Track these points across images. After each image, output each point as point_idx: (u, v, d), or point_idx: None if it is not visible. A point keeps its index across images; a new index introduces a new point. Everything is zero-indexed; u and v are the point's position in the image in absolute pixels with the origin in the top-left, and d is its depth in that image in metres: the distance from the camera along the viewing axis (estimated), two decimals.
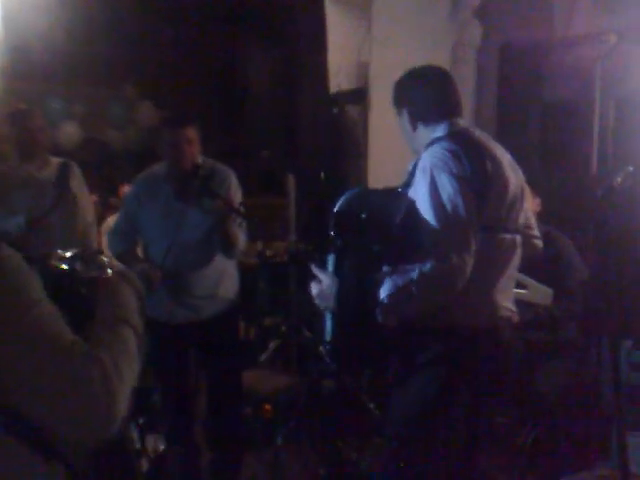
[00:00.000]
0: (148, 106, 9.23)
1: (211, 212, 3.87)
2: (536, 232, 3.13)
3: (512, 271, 2.99)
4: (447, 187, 2.66)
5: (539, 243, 3.12)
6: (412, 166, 2.91)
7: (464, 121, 3.00)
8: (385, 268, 2.72)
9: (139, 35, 8.27)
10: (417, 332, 2.79)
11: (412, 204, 2.75)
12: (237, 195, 4.09)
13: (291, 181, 5.62)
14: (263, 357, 5.68)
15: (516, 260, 2.98)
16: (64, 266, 1.79)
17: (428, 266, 2.61)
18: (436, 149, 2.79)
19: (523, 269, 4.05)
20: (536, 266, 4.24)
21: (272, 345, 5.68)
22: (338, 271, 2.83)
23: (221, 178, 4.04)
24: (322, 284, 2.85)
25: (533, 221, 3.17)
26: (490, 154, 2.81)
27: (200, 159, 4.03)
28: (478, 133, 2.93)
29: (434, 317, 2.75)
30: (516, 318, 4.16)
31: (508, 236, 2.89)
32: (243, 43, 7.64)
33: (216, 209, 3.84)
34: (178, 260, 4.00)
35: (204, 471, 4.36)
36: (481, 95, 6.00)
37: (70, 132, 9.11)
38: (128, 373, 1.56)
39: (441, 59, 5.81)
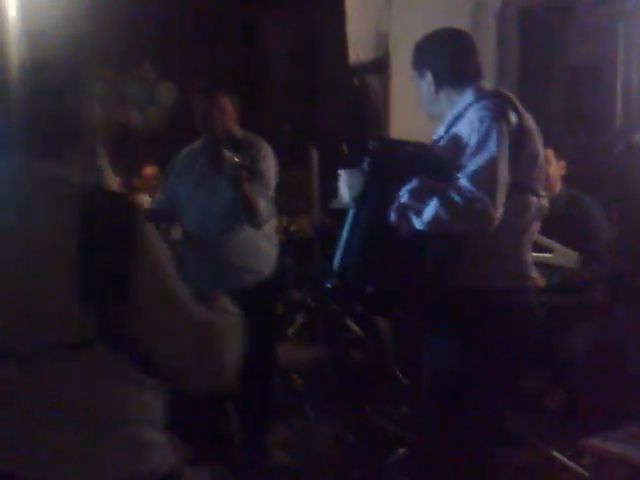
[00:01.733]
0: (168, 86, 9.20)
1: (228, 173, 3.89)
2: (544, 194, 3.09)
3: (534, 234, 3.03)
4: (498, 138, 2.67)
5: (546, 204, 3.09)
6: (445, 128, 2.91)
7: (488, 84, 3.00)
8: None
9: (155, 13, 8.22)
10: (448, 292, 2.78)
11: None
12: (271, 166, 4.13)
13: (314, 154, 5.59)
14: (291, 331, 5.70)
15: (538, 224, 3.01)
16: None
17: (464, 197, 2.60)
18: (484, 104, 2.80)
19: (549, 232, 4.05)
20: (562, 229, 4.24)
21: (299, 319, 5.69)
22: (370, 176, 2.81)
23: (255, 149, 4.08)
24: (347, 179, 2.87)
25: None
26: (526, 115, 2.85)
27: (237, 130, 4.12)
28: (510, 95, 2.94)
29: (467, 276, 2.76)
30: (542, 282, 4.18)
31: (535, 199, 2.90)
32: (261, 15, 7.58)
33: (229, 167, 3.87)
34: (207, 228, 4.06)
35: (234, 436, 4.40)
36: (503, 60, 5.92)
37: None
38: (235, 349, 1.91)
39: (461, 25, 5.72)
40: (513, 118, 2.73)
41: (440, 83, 2.95)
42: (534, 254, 3.90)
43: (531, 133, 2.84)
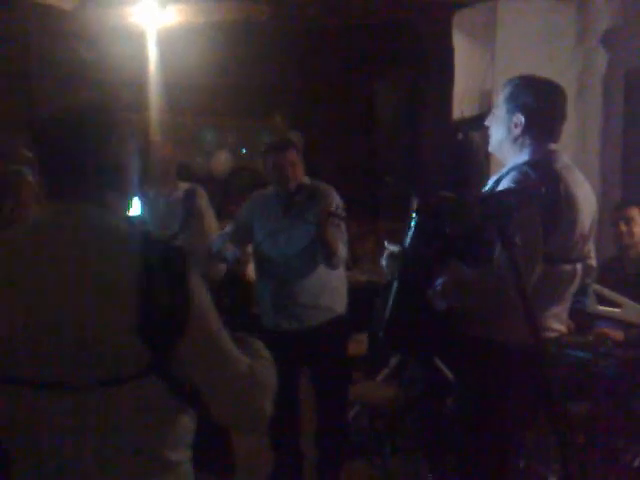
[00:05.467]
0: (296, 135, 9.68)
1: (312, 220, 4.19)
2: (592, 253, 3.19)
3: (568, 297, 3.09)
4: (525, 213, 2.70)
5: (594, 263, 3.20)
6: (493, 182, 3.00)
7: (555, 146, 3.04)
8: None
9: (286, 69, 8.77)
10: (464, 341, 2.96)
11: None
12: (338, 209, 4.36)
13: (414, 203, 5.80)
14: (385, 372, 5.87)
15: (574, 287, 3.06)
16: None
17: (488, 279, 2.74)
18: (514, 175, 2.86)
19: (623, 289, 4.14)
20: (631, 285, 4.31)
21: (393, 361, 5.85)
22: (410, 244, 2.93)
23: (324, 195, 4.37)
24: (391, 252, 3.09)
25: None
26: (565, 186, 2.88)
27: (305, 179, 4.41)
28: (561, 163, 2.98)
29: (483, 329, 2.92)
30: (620, 336, 4.25)
31: (569, 267, 2.97)
32: (376, 78, 7.94)
33: (315, 216, 4.17)
34: (283, 270, 4.37)
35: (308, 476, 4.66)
36: (608, 122, 6.01)
37: (222, 161, 9.71)
38: (271, 395, 2.00)
39: (566, 86, 5.85)
40: (543, 190, 2.72)
41: (526, 130, 2.95)
42: (602, 307, 4.05)
43: (574, 203, 2.88)
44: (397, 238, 6.19)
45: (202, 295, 1.81)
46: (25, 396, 1.78)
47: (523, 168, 2.87)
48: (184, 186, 5.01)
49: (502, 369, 2.91)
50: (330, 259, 4.28)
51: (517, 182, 2.80)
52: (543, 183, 2.75)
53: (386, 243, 3.18)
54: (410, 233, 2.93)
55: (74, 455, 1.80)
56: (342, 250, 4.32)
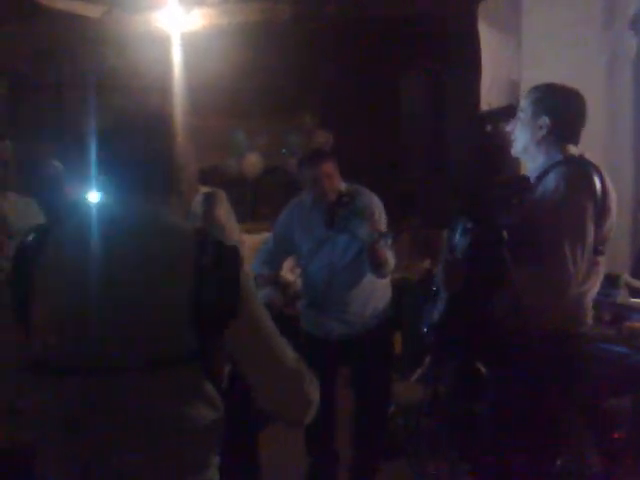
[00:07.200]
0: (324, 134, 9.64)
1: (361, 238, 4.14)
2: None
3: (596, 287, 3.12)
4: (580, 205, 2.86)
5: None
6: (535, 179, 3.04)
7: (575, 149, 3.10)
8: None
9: (310, 68, 8.73)
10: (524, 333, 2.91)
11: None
12: (381, 216, 4.33)
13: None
14: (419, 372, 5.81)
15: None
16: None
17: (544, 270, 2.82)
18: (567, 169, 2.95)
19: None
20: None
21: (427, 360, 5.79)
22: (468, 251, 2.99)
23: (364, 202, 4.30)
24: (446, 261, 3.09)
25: None
26: (606, 180, 2.98)
27: (342, 187, 4.33)
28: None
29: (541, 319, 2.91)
30: None
31: (602, 258, 3.04)
32: (400, 73, 7.86)
33: (365, 234, 4.10)
34: (332, 281, 4.31)
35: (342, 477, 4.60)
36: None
37: (253, 162, 9.71)
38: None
39: (596, 72, 5.75)
40: (597, 185, 2.88)
41: (551, 132, 3.04)
42: (634, 300, 3.96)
43: (612, 197, 2.96)
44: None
45: (252, 290, 1.95)
46: (72, 382, 1.87)
47: (568, 164, 2.97)
48: (204, 190, 4.94)
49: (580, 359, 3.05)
50: (380, 269, 4.26)
51: (570, 174, 2.91)
52: (595, 175, 2.92)
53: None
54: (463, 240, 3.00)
55: (112, 443, 1.87)
56: (390, 258, 4.27)
